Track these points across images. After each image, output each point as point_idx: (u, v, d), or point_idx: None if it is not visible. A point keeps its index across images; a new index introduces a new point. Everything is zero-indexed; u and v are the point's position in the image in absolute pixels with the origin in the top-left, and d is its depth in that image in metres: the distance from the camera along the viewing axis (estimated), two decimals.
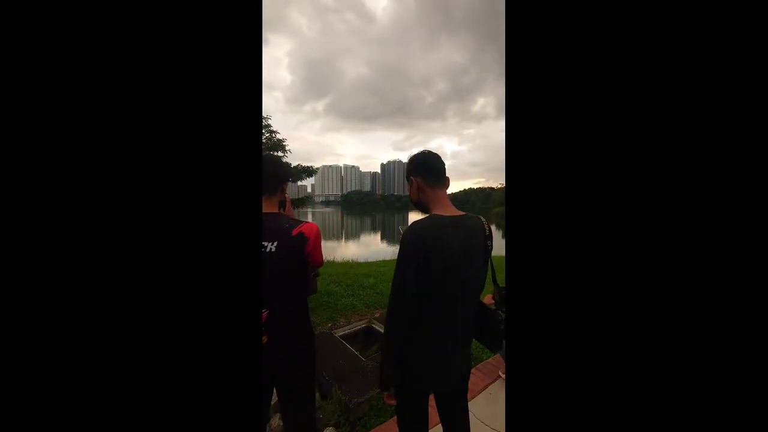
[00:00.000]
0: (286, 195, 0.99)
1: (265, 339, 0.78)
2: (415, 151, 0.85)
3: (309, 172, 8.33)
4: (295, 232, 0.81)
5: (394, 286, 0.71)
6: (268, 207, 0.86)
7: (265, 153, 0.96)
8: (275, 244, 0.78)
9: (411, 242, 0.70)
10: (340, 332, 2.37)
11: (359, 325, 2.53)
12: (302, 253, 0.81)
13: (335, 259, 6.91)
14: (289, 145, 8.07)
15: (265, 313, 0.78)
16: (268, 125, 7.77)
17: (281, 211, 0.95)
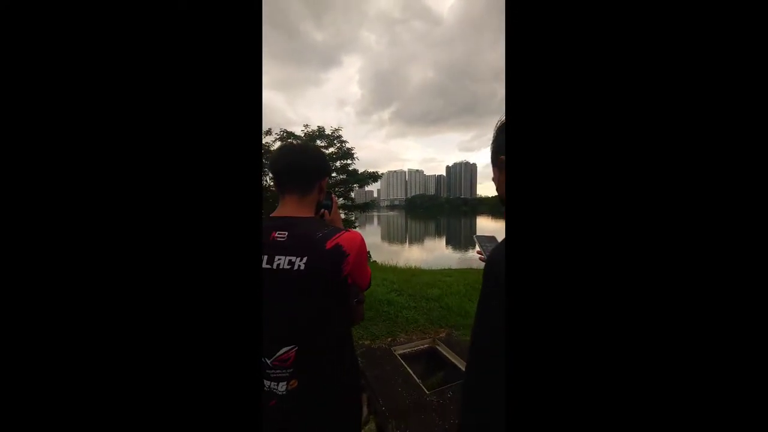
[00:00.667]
0: (333, 196, 0.79)
1: (294, 383, 0.60)
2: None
3: (375, 177, 8.58)
4: (330, 243, 0.59)
5: (476, 343, 0.43)
6: (299, 210, 0.65)
7: (293, 142, 0.74)
8: (304, 260, 0.58)
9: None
10: (400, 350, 2.13)
11: (422, 344, 2.24)
12: (339, 272, 0.60)
13: (398, 264, 6.76)
14: (357, 153, 8.60)
15: (292, 351, 0.60)
16: (339, 136, 8.47)
17: (324, 214, 0.76)
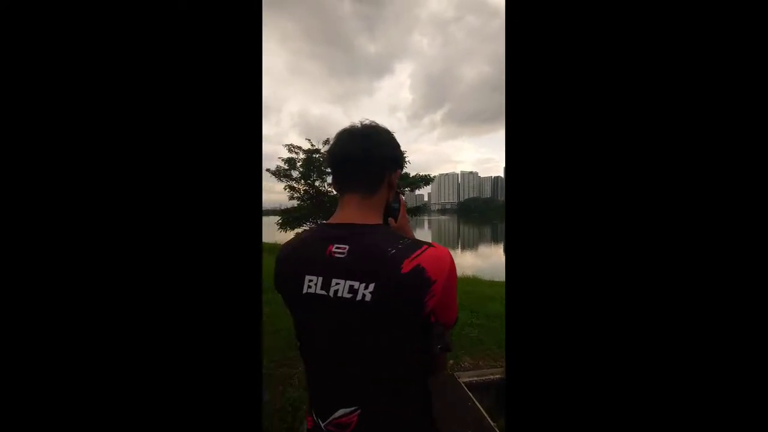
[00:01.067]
0: (401, 196, 0.58)
1: None
2: None
3: (426, 180, 8.32)
4: (407, 265, 0.40)
5: None
6: (364, 214, 0.47)
7: (354, 124, 0.51)
8: (371, 287, 0.40)
9: None
10: (464, 377, 1.83)
11: (491, 374, 1.89)
12: (420, 308, 0.41)
13: None
14: (408, 156, 8.49)
15: (354, 415, 0.43)
16: None
17: (390, 221, 0.58)
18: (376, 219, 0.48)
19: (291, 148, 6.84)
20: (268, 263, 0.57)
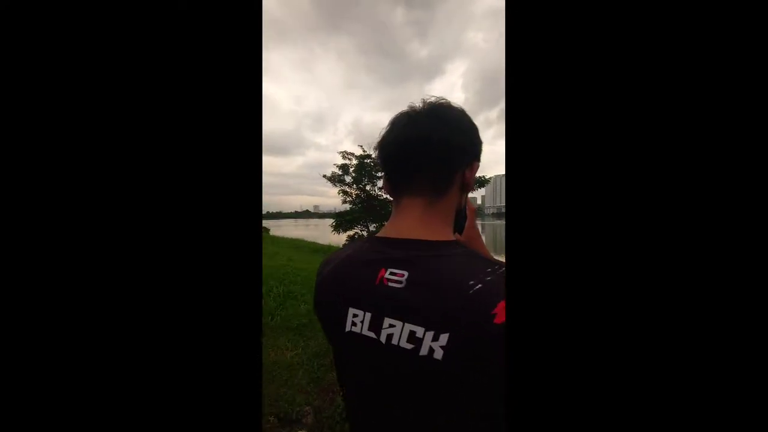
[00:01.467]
0: (469, 201, 0.44)
1: None
2: None
3: (481, 183, 7.74)
4: (503, 311, 0.27)
5: None
6: (428, 227, 0.34)
7: (414, 106, 0.38)
8: (443, 339, 0.27)
9: None
10: None
11: None
12: None
13: None
14: None
15: None
16: None
17: (458, 237, 0.43)
18: (445, 233, 0.35)
19: (345, 154, 7.21)
20: (318, 263, 0.50)
